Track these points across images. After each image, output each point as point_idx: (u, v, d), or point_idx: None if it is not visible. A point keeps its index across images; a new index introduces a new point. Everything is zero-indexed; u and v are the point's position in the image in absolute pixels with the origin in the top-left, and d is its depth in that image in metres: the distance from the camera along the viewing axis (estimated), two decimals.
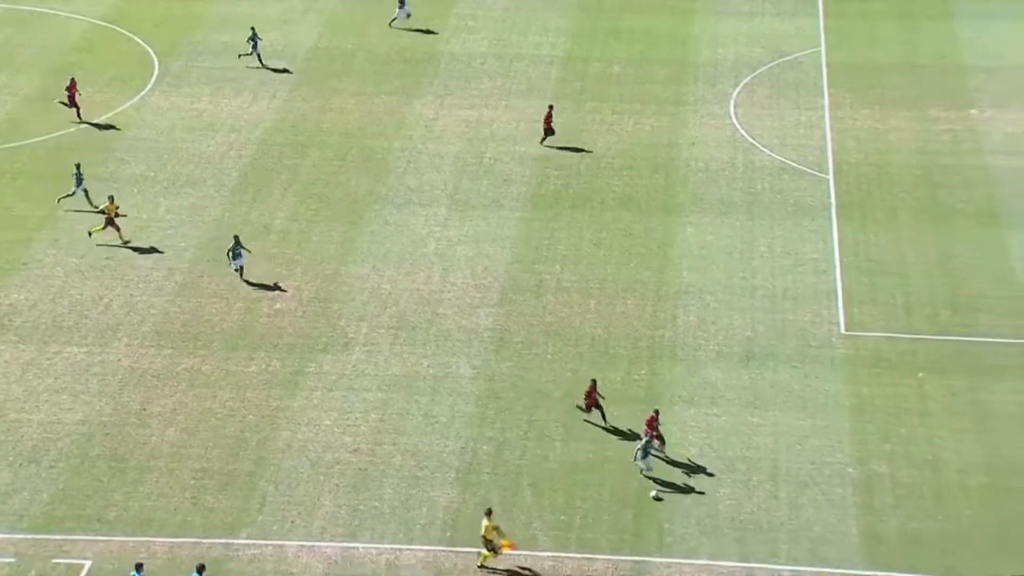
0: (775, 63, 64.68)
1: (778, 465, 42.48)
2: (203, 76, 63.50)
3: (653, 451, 41.84)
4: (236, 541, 39.53)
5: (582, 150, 58.29)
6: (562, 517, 40.71)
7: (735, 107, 61.19)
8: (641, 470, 41.71)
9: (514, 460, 42.76)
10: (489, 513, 38.71)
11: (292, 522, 40.31)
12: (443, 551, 39.54)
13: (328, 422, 44.06)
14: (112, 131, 59.03)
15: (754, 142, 58.55)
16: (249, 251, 50.33)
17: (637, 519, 40.56)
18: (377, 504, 41.09)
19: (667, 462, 42.47)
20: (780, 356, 46.73)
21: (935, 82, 62.84)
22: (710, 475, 42.04)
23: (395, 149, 58.12)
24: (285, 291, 49.45)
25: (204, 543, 39.40)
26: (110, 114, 60.30)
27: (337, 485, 41.72)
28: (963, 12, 68.75)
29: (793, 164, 56.95)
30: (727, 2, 70.93)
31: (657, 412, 42.34)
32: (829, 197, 54.84)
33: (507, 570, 38.85)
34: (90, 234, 51.94)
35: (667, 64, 64.45)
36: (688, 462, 42.58)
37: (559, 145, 58.51)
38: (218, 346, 46.81)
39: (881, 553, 39.40)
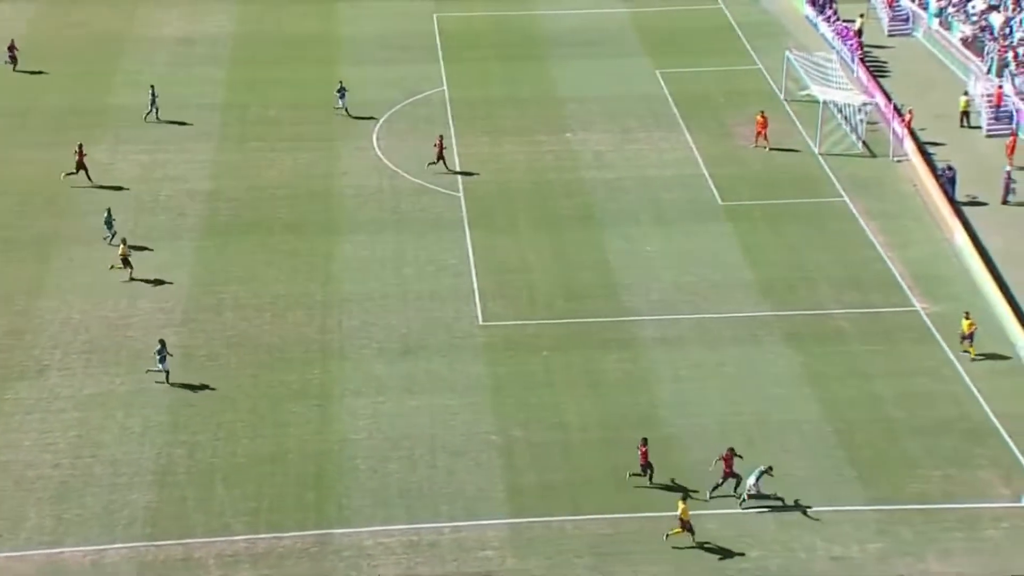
0: (409, 101, 64.35)
1: (435, 440, 41.84)
2: None
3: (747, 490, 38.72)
4: None
5: (249, 184, 56.40)
6: (252, 504, 38.94)
7: (378, 140, 60.42)
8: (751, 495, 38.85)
9: (206, 459, 40.67)
10: (684, 499, 37.93)
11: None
12: (145, 546, 37.32)
13: (28, 443, 40.84)
14: None
15: (396, 169, 58.04)
16: None
17: (318, 498, 39.26)
18: (80, 511, 38.29)
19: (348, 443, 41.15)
20: (431, 347, 46.13)
21: (536, 112, 63.65)
22: (380, 453, 41.00)
23: (77, 192, 54.67)
24: None
25: None
26: None
27: (40, 498, 38.71)
28: (551, 55, 69.99)
29: (430, 186, 56.65)
30: (366, 53, 70.12)
31: (732, 450, 39.22)
32: (461, 212, 54.72)
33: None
34: None
35: (318, 107, 63.12)
36: (362, 441, 41.25)
37: (229, 180, 56.42)
38: None
39: (523, 503, 39.39)
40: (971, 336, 46.24)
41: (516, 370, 45.21)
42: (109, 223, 50.87)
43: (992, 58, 64.96)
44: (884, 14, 73.25)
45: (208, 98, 63.72)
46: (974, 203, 55.62)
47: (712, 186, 57.10)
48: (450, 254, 51.76)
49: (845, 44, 69.32)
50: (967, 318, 46.45)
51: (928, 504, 39.65)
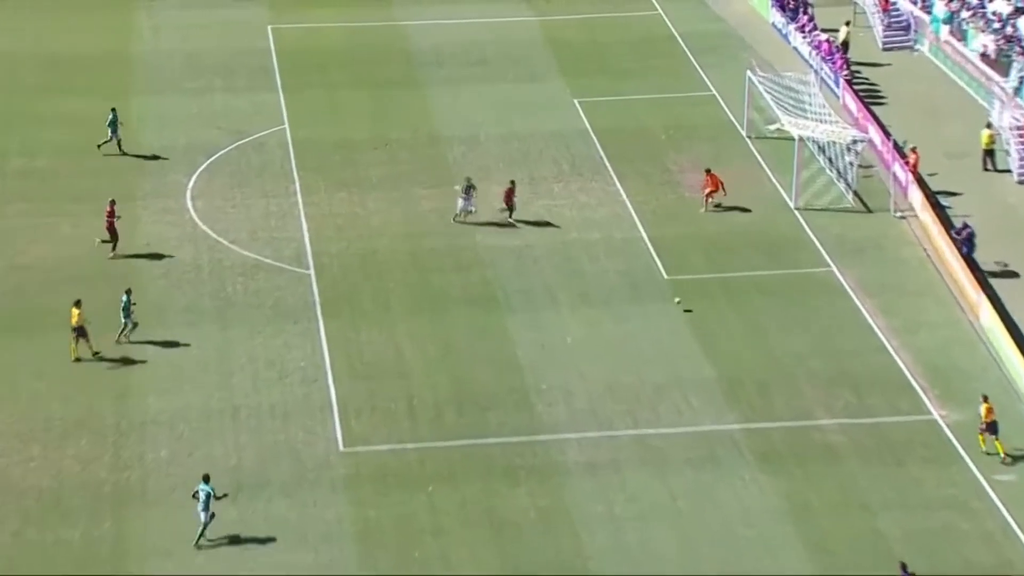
0: (235, 146, 64.41)
1: None
2: None
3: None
4: None
5: (8, 263, 56.01)
6: None
7: (193, 200, 60.35)
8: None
9: None
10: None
11: None
12: None
13: None
14: None
15: (219, 238, 57.90)
16: None
17: None
18: None
19: None
20: (273, 484, 45.61)
21: (412, 157, 64.07)
22: None
23: None
24: None
25: None
26: None
27: None
28: (431, 80, 70.59)
29: (268, 260, 56.58)
30: (173, 78, 70.11)
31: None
32: (312, 295, 54.64)
33: None
34: None
35: (103, 156, 63.22)
36: None
37: None
38: None
39: None
40: (993, 426, 46.84)
41: (391, 512, 44.90)
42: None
43: (1022, 77, 66.57)
44: (877, 21, 75.00)
45: None
46: (1004, 272, 56.75)
47: (653, 253, 57.61)
48: (298, 353, 51.58)
49: (826, 61, 70.74)
50: (985, 402, 47.18)
51: None
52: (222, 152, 63.87)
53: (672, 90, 70.00)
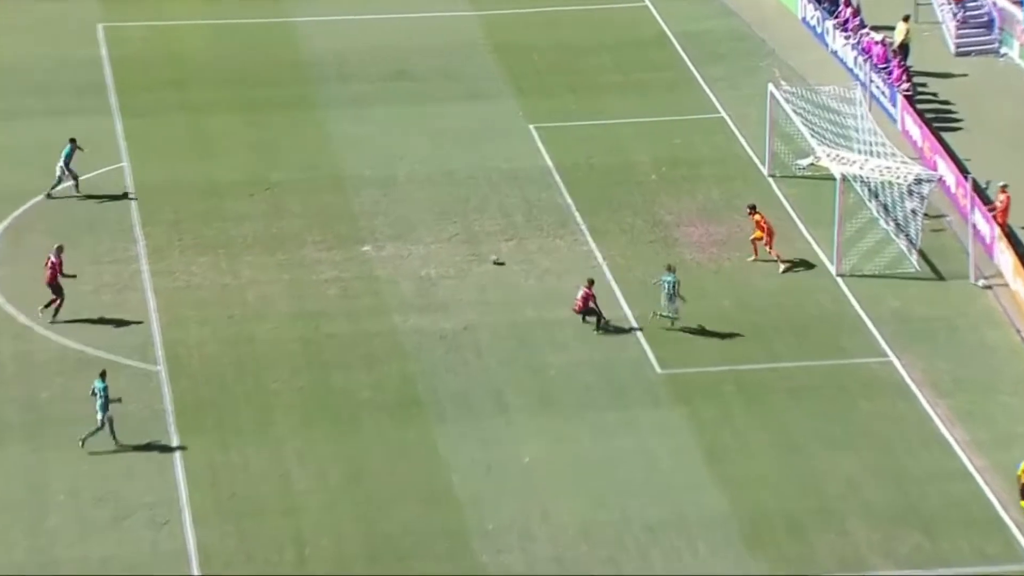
0: (54, 192, 64.71)
1: None
2: None
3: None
4: None
5: None
6: None
7: None
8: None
9: None
10: None
11: None
12: None
13: None
14: None
15: (29, 322, 58.08)
16: None
17: None
18: None
19: None
20: None
21: (306, 205, 64.24)
22: None
23: None
24: None
25: None
26: None
27: None
28: (330, 98, 71.46)
29: (100, 353, 56.48)
30: None
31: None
32: (163, 401, 54.52)
33: None
34: None
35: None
36: None
37: None
38: None
39: None
40: None
41: None
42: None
43: None
44: (947, 15, 75.28)
45: None
46: None
47: (641, 338, 57.52)
48: (141, 484, 51.37)
49: (878, 71, 70.74)
50: None
51: None
52: (32, 201, 64.24)
53: (666, 112, 70.38)
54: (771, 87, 66.36)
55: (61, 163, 64.28)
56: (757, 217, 60.95)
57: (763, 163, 66.34)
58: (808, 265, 61.11)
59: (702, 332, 57.73)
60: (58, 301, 57.90)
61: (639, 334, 57.48)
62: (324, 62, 73.75)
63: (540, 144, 67.81)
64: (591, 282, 57.84)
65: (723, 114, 69.90)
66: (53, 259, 57.95)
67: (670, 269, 57.34)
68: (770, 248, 60.92)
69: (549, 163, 66.59)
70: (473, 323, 58.12)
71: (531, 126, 69.00)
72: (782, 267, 60.67)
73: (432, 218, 63.30)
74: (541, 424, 53.82)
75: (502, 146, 67.75)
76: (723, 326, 58.06)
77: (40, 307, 57.66)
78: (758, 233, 60.80)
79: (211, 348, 56.74)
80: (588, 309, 57.77)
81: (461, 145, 67.89)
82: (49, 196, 64.47)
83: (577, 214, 63.68)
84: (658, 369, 56.02)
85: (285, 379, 55.56)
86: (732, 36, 75.90)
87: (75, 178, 64.50)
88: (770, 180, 65.62)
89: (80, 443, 51.52)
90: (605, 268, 60.74)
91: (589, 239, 62.38)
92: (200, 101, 70.88)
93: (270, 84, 72.19)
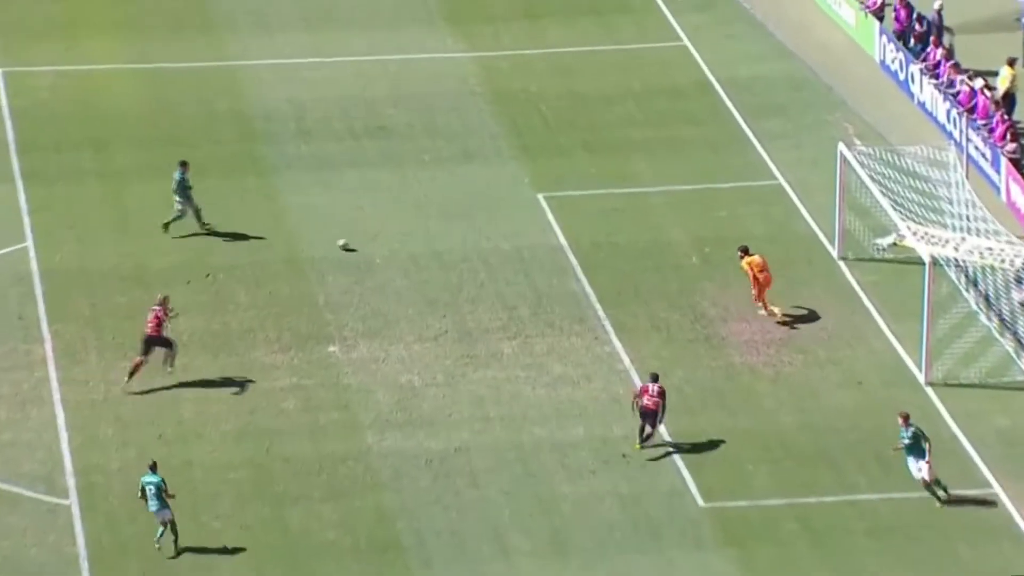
0: None
1: None
2: None
3: None
4: None
5: None
6: None
7: None
8: None
9: None
10: None
11: None
12: None
13: None
14: None
15: None
16: None
17: None
18: None
19: None
20: None
21: (255, 296, 65.10)
22: None
23: None
24: None
25: None
26: None
27: None
28: (290, 161, 72.55)
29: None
30: None
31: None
32: (76, 543, 54.75)
33: None
34: None
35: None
36: None
37: None
38: None
39: None
40: None
41: None
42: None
43: None
44: None
45: None
46: None
47: (680, 464, 57.73)
48: None
49: (976, 128, 71.06)
50: None
51: None
52: None
53: (711, 178, 71.06)
54: (841, 147, 66.82)
55: (176, 191, 65.73)
56: (749, 260, 62.08)
57: (832, 243, 66.90)
58: (891, 371, 61.49)
59: (755, 456, 58.14)
60: (171, 348, 60.60)
61: (677, 458, 57.84)
62: (279, 115, 74.58)
63: (550, 217, 68.55)
64: (656, 377, 58.28)
65: (780, 180, 70.59)
66: (158, 310, 59.92)
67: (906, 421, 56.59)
68: (760, 301, 62.08)
69: (562, 241, 67.28)
70: (467, 444, 58.45)
71: (539, 195, 69.76)
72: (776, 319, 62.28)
73: (415, 311, 63.84)
74: (553, 572, 54.10)
75: (503, 220, 68.40)
76: (782, 448, 58.46)
77: (166, 366, 60.41)
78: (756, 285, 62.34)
79: (135, 476, 56.33)
80: (652, 412, 57.99)
81: (451, 219, 68.50)
82: (165, 227, 66.13)
83: (598, 305, 64.26)
84: (701, 502, 56.31)
85: (228, 515, 55.81)
86: (792, 83, 76.49)
87: (196, 208, 65.90)
88: (841, 264, 66.20)
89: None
90: (633, 373, 61.13)
91: (613, 337, 62.91)
92: (123, 165, 71.71)
93: (210, 143, 72.89)
